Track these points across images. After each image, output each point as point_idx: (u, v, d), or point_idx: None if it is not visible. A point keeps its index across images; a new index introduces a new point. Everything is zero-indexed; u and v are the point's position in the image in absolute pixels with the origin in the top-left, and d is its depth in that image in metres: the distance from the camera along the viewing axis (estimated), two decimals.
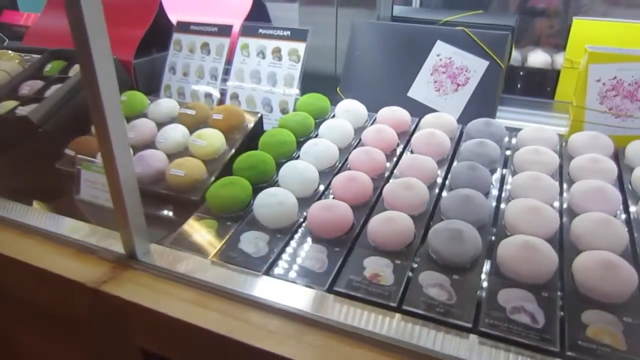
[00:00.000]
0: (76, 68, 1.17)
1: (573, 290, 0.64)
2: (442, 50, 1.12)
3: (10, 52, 1.24)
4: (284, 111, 1.16)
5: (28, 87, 1.15)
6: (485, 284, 0.67)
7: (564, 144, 0.96)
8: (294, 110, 1.13)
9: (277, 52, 1.17)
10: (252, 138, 1.04)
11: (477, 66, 1.09)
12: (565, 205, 0.79)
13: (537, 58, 1.52)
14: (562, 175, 0.87)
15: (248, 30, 1.21)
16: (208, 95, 1.24)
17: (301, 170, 0.86)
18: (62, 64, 1.21)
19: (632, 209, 0.78)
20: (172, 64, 1.28)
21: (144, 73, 1.28)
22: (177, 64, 1.28)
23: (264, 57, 1.18)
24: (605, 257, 0.64)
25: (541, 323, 0.60)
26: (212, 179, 0.93)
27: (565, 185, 0.85)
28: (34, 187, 1.03)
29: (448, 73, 1.11)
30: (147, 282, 0.72)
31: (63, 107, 1.08)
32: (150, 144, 1.04)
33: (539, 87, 1.48)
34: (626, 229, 0.70)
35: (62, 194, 1.00)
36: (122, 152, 0.68)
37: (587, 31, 1.32)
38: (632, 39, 1.25)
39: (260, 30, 1.20)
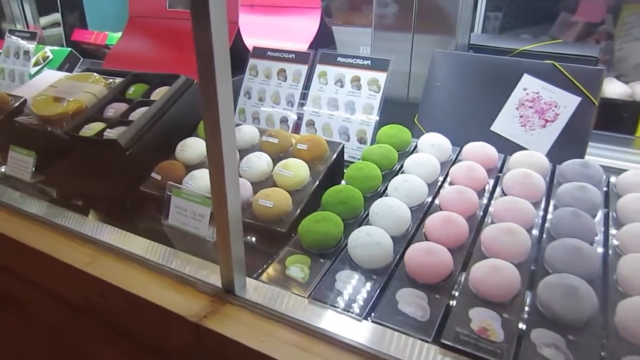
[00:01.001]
0: (159, 92, 1.20)
1: None
2: (529, 84, 1.09)
3: (95, 74, 1.28)
4: (361, 140, 1.15)
5: (113, 110, 1.19)
6: (605, 349, 0.63)
7: None
8: (374, 140, 1.12)
9: (356, 81, 1.17)
10: (334, 169, 1.03)
11: (567, 102, 1.05)
12: None
13: (615, 89, 1.46)
14: None
15: (326, 58, 1.22)
16: (284, 121, 1.24)
17: (394, 208, 0.85)
18: (144, 87, 1.24)
19: None
20: (247, 89, 1.30)
21: None
22: (252, 89, 1.29)
23: (342, 86, 1.18)
24: None
25: None
26: (298, 211, 0.93)
27: None
28: (119, 209, 1.05)
29: (535, 108, 1.08)
30: (247, 319, 0.72)
31: (149, 131, 1.10)
32: None
33: (617, 121, 1.42)
34: None
35: (148, 218, 1.02)
36: (233, 186, 0.69)
37: None
38: None
39: (339, 59, 1.20)
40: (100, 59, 1.98)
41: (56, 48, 1.74)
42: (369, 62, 1.16)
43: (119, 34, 1.95)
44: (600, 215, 0.87)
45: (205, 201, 0.90)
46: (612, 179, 0.95)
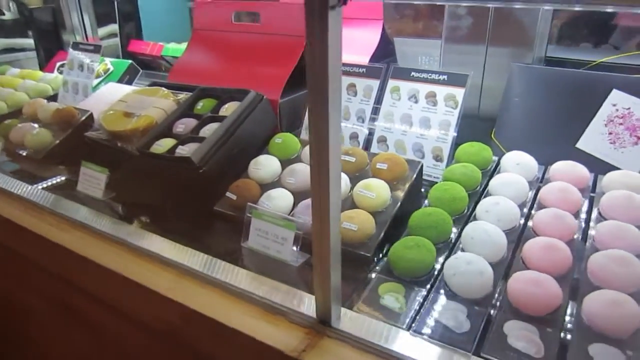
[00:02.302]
0: (228, 107, 1.20)
1: None
2: (618, 100, 1.05)
3: (164, 89, 1.29)
4: (437, 158, 1.12)
5: (183, 126, 1.19)
6: None
7: None
8: (451, 157, 1.10)
9: (431, 96, 1.14)
10: (414, 189, 1.01)
11: None
12: None
13: None
14: None
15: (399, 72, 1.19)
16: (354, 137, 1.23)
17: (490, 233, 0.82)
18: (213, 102, 1.24)
19: None
20: None
21: (288, 111, 1.29)
22: None
23: (416, 101, 1.16)
24: None
25: None
26: (382, 234, 0.91)
27: None
28: (193, 229, 1.05)
29: (626, 125, 1.03)
30: (348, 354, 0.70)
31: (221, 148, 1.10)
32: (309, 191, 1.03)
33: None
34: None
35: (223, 239, 1.02)
36: (335, 213, 0.67)
37: None
38: None
39: (413, 74, 1.18)
40: (155, 70, 2.02)
41: (116, 60, 1.77)
42: (445, 77, 1.13)
43: (174, 45, 1.99)
44: None
45: (289, 224, 0.89)
46: None
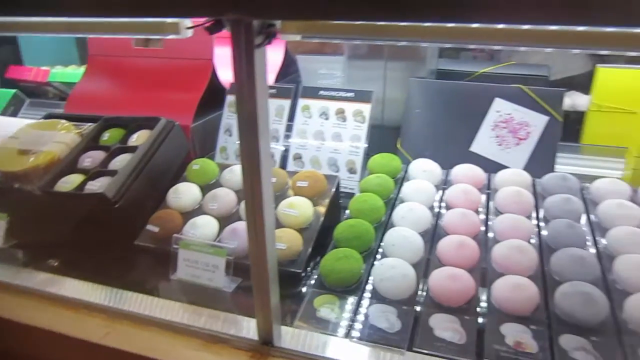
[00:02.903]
0: (138, 136, 1.17)
1: None
2: (501, 107, 1.21)
3: (63, 121, 1.23)
4: (351, 170, 1.21)
5: (90, 159, 1.15)
6: (621, 344, 0.73)
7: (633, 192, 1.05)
8: (363, 169, 1.18)
9: (341, 113, 1.23)
10: (334, 202, 1.08)
11: (537, 121, 1.18)
12: None
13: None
14: None
15: (308, 91, 1.26)
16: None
17: (409, 238, 0.91)
18: (121, 132, 1.21)
19: None
20: (227, 126, 1.31)
21: (200, 136, 1.30)
22: (233, 126, 1.31)
23: (327, 118, 1.24)
24: None
25: None
26: (310, 249, 0.97)
27: None
28: (115, 268, 1.02)
29: (509, 128, 1.20)
30: None
31: (136, 180, 1.08)
32: (234, 214, 1.06)
33: (564, 130, 1.60)
34: None
35: (148, 274, 1.00)
36: (271, 236, 0.71)
37: (610, 78, 1.46)
38: None
39: (321, 92, 1.25)
40: (42, 98, 1.88)
41: None
42: (352, 94, 1.22)
43: (61, 69, 1.88)
44: (584, 221, 0.99)
45: (219, 251, 0.90)
46: (585, 188, 1.08)
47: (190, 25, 0.65)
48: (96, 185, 1.07)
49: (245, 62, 0.58)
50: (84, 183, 1.08)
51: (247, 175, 0.67)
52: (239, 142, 0.65)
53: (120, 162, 1.12)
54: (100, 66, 1.41)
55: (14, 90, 1.62)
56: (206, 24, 0.54)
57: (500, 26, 0.54)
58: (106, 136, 1.21)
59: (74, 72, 1.90)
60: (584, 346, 0.72)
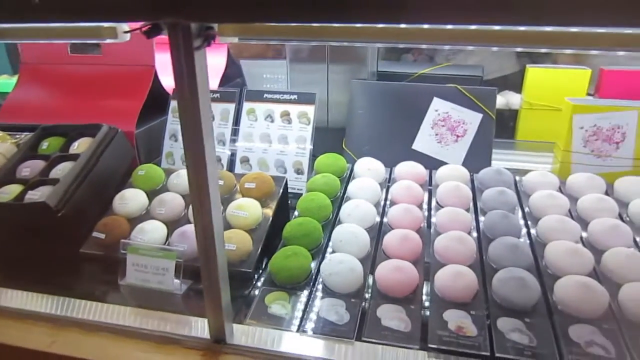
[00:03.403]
0: (80, 144, 1.15)
1: (625, 320, 0.79)
2: (439, 106, 1.27)
3: None
4: (298, 171, 1.23)
5: (28, 169, 1.11)
6: (553, 323, 0.79)
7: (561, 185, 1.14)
8: (310, 169, 1.21)
9: (286, 115, 1.25)
10: (282, 202, 1.10)
11: (472, 119, 1.25)
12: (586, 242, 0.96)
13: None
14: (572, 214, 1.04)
15: (253, 95, 1.28)
16: (216, 160, 1.27)
17: (356, 234, 0.95)
18: (60, 141, 1.18)
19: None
20: (172, 131, 1.31)
21: (144, 142, 1.29)
22: (178, 131, 1.30)
23: (272, 121, 1.26)
24: None
25: (613, 352, 0.73)
26: (259, 249, 0.98)
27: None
28: (60, 277, 0.99)
29: (447, 126, 1.26)
30: None
31: (79, 188, 1.06)
32: (182, 218, 1.06)
33: (500, 127, 1.70)
34: None
35: (97, 281, 0.99)
36: (219, 236, 0.72)
37: (538, 77, 1.57)
38: (576, 82, 1.51)
39: (266, 95, 1.27)
40: None
41: None
42: (295, 96, 1.25)
43: None
44: (518, 211, 1.06)
45: (169, 254, 0.90)
46: (519, 180, 1.16)
47: (127, 29, 0.65)
48: (37, 195, 1.04)
49: (185, 65, 0.59)
50: (23, 193, 1.05)
51: (193, 175, 0.68)
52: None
53: (62, 170, 1.09)
54: (34, 75, 1.37)
55: None
56: (143, 27, 0.55)
57: (426, 26, 0.59)
58: (45, 145, 1.18)
59: (5, 82, 1.83)
60: (519, 327, 0.78)
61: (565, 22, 0.51)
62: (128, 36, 0.67)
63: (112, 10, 0.55)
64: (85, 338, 0.81)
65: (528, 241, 0.97)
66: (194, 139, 0.65)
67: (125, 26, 0.64)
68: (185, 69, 0.59)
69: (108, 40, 0.67)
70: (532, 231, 0.99)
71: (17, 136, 1.20)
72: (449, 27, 0.58)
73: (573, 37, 0.66)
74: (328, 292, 0.87)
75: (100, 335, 0.82)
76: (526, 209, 1.06)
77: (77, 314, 0.85)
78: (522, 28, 0.57)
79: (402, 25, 0.58)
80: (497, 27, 0.57)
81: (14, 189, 1.05)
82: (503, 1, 0.50)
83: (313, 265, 0.93)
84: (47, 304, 0.88)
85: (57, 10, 0.56)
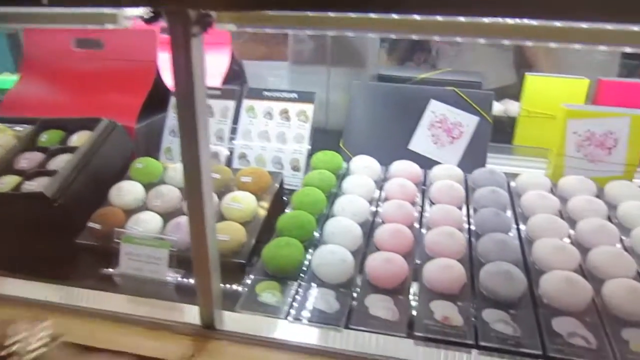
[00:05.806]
0: (79, 137, 1.20)
1: (608, 314, 0.82)
2: (436, 108, 1.32)
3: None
4: (295, 168, 1.27)
5: (26, 160, 1.16)
6: (537, 316, 0.82)
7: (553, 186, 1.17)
8: (307, 166, 1.25)
9: (285, 113, 1.29)
10: (278, 197, 1.14)
11: (469, 121, 1.29)
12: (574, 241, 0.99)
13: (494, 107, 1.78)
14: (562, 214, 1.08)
15: (253, 93, 1.33)
16: (214, 156, 1.31)
17: (348, 227, 0.98)
18: (60, 134, 1.22)
19: (625, 239, 0.99)
20: (172, 127, 1.35)
21: (144, 137, 1.33)
22: (177, 127, 1.34)
23: (271, 118, 1.30)
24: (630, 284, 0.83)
25: (594, 344, 0.76)
26: (253, 240, 1.02)
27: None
28: (55, 267, 1.03)
29: (444, 128, 1.31)
30: (235, 350, 0.78)
31: (76, 179, 1.10)
32: (177, 210, 1.10)
33: (498, 133, 1.74)
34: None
35: (92, 271, 1.02)
36: (211, 225, 0.76)
37: (536, 84, 1.61)
38: (574, 91, 1.55)
39: (265, 93, 1.32)
40: None
41: None
42: (295, 95, 1.29)
43: None
44: (509, 211, 1.09)
45: (163, 244, 0.94)
46: (512, 182, 1.20)
47: (128, 15, 0.70)
48: (34, 185, 1.08)
49: (183, 51, 0.63)
50: (20, 184, 1.09)
51: (187, 159, 0.72)
52: None
53: (60, 162, 1.13)
54: (37, 70, 1.41)
55: None
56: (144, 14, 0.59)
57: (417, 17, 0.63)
58: (44, 137, 1.22)
59: (7, 79, 1.88)
60: (503, 318, 0.81)
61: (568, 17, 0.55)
62: (129, 23, 0.71)
63: None
64: (75, 323, 0.84)
65: (516, 237, 1.00)
66: (189, 126, 0.69)
67: (127, 12, 0.69)
68: (183, 55, 0.63)
69: (109, 26, 0.72)
70: (522, 228, 1.02)
71: (17, 129, 1.24)
72: (461, 19, 0.62)
73: (578, 32, 0.70)
74: (318, 282, 0.90)
75: (90, 321, 0.85)
76: (517, 209, 1.10)
77: (67, 301, 0.88)
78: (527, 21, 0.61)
79: (399, 17, 0.62)
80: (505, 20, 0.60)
81: (11, 180, 1.09)
82: None
83: (306, 257, 0.96)
84: (38, 291, 0.91)
85: None
